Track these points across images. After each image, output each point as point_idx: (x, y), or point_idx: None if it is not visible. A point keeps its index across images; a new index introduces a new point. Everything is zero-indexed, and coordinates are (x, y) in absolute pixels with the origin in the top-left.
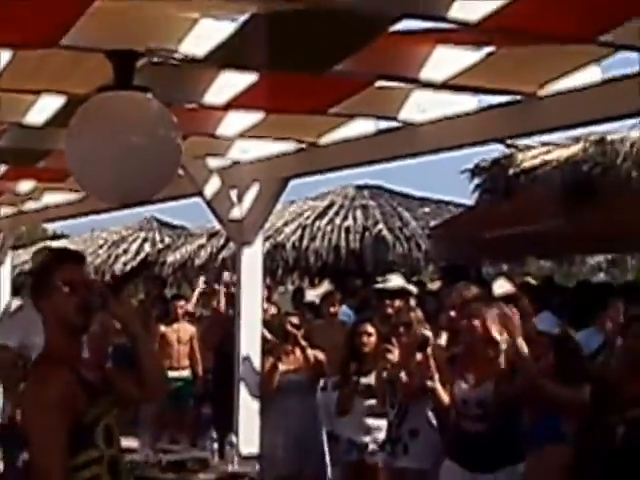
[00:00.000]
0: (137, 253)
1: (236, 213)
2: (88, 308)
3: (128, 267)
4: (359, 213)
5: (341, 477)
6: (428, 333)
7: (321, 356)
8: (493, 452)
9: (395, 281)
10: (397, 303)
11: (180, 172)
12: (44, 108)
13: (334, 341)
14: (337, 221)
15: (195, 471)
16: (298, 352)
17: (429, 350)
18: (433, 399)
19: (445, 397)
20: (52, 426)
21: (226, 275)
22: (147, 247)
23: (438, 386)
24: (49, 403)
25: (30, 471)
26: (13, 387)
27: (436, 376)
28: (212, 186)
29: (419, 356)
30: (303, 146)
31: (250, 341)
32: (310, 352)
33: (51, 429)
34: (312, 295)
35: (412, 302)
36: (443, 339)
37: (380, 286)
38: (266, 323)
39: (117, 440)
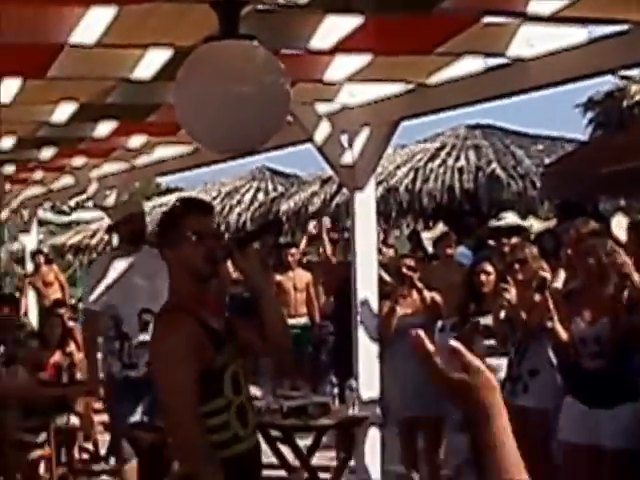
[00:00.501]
0: (251, 203)
1: (347, 158)
2: (215, 258)
3: (242, 218)
4: (471, 153)
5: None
6: (546, 274)
7: (438, 298)
8: (612, 388)
9: (510, 218)
10: (513, 241)
11: (289, 119)
12: (151, 62)
13: (450, 282)
14: (450, 162)
15: (316, 416)
16: (415, 295)
17: (547, 291)
18: (552, 339)
19: (564, 336)
20: (181, 375)
21: (326, 221)
22: (260, 196)
23: (558, 326)
24: (177, 352)
25: (163, 420)
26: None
27: (555, 316)
28: (322, 132)
29: (537, 297)
30: (412, 87)
31: (367, 285)
32: (427, 294)
33: (180, 378)
34: (427, 237)
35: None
36: (561, 277)
37: (495, 224)
38: (384, 266)
39: (245, 387)
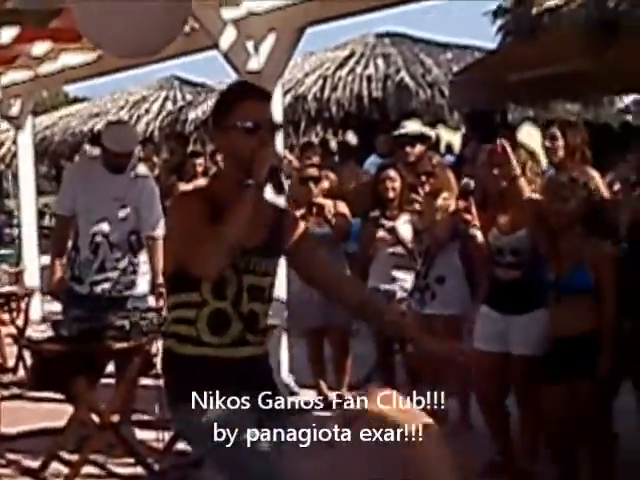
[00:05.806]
0: (159, 113)
1: (253, 64)
2: (267, 145)
3: (150, 127)
4: (380, 61)
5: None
6: (469, 181)
7: (343, 208)
8: (525, 297)
9: (412, 127)
10: (417, 148)
11: (195, 25)
12: None
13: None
14: (358, 70)
15: None
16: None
17: (471, 198)
18: (473, 246)
19: (484, 244)
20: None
21: None
22: (169, 106)
23: (478, 233)
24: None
25: None
26: None
27: (477, 223)
28: (228, 38)
29: (461, 203)
30: None
31: None
32: (329, 204)
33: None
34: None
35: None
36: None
37: (398, 132)
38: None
39: (242, 299)
